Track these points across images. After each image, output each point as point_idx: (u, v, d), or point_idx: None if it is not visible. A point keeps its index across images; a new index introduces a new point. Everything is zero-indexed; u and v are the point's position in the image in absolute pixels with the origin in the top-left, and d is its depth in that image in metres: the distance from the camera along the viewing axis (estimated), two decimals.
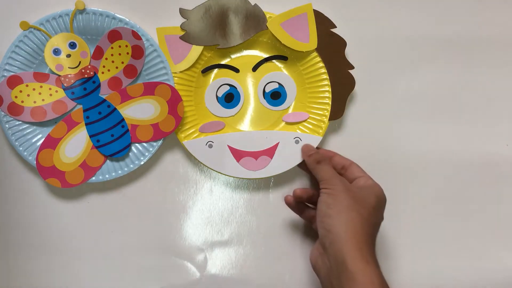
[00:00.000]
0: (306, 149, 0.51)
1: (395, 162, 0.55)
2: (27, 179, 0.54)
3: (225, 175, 0.52)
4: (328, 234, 0.45)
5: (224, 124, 0.53)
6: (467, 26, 0.55)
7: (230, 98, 0.53)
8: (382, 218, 0.48)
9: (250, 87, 0.53)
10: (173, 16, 0.51)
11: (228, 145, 0.52)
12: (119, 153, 0.52)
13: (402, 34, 0.54)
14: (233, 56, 0.53)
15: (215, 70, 0.53)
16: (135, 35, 0.50)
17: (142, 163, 0.52)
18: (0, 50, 0.51)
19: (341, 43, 0.51)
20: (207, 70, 0.52)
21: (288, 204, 0.52)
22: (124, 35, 0.50)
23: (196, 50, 0.51)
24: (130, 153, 0.53)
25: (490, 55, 0.55)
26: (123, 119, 0.52)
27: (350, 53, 0.53)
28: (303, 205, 0.52)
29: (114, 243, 0.55)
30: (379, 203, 0.47)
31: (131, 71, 0.52)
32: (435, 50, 0.55)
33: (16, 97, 0.51)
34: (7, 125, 0.51)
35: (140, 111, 0.52)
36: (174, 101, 0.51)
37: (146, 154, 0.52)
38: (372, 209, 0.46)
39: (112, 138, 0.52)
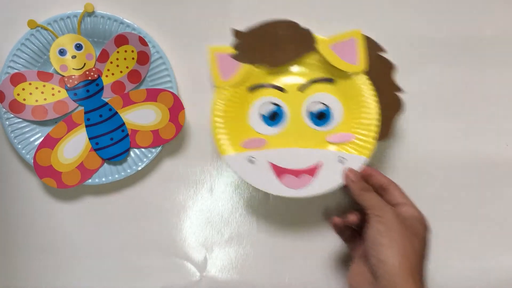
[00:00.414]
0: (350, 175, 0.49)
1: (393, 162, 0.55)
2: (26, 177, 0.54)
3: (265, 191, 0.50)
4: (380, 264, 0.43)
5: (266, 141, 0.51)
6: (467, 26, 0.54)
7: (275, 116, 0.52)
8: (428, 250, 0.47)
9: (295, 107, 0.52)
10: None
11: (269, 162, 0.50)
12: (117, 157, 0.52)
13: (402, 34, 0.54)
14: (280, 76, 0.52)
15: (262, 88, 0.52)
16: (142, 41, 0.50)
17: (139, 168, 0.52)
18: (6, 47, 0.51)
19: (389, 66, 0.51)
20: (254, 89, 0.52)
21: (336, 226, 0.50)
22: (131, 40, 0.50)
23: (244, 69, 0.50)
24: (128, 158, 0.52)
25: (490, 55, 0.55)
26: (123, 124, 0.52)
27: None
28: (347, 227, 0.51)
29: (114, 243, 0.55)
30: (427, 234, 0.47)
31: (135, 76, 0.52)
32: (436, 50, 0.54)
33: (18, 94, 0.51)
34: (7, 122, 0.51)
35: (141, 116, 0.52)
36: (176, 109, 0.51)
37: (144, 160, 0.52)
38: (422, 239, 0.46)
39: (112, 141, 0.52)
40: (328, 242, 0.55)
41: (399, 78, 0.53)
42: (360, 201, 0.47)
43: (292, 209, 0.55)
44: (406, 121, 0.54)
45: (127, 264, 0.55)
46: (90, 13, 0.50)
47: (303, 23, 0.51)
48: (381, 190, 0.49)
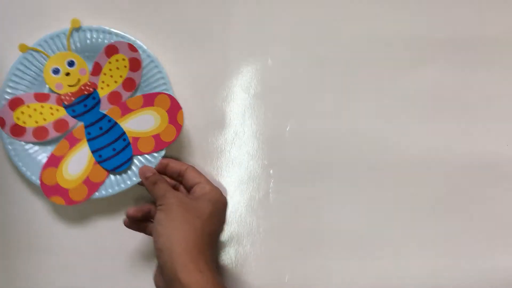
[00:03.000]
0: (145, 172, 0.50)
1: (394, 162, 0.54)
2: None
3: None
4: (161, 254, 0.44)
5: None
6: (467, 26, 0.55)
7: None
8: (223, 222, 0.49)
9: None
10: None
11: None
12: (121, 167, 0.52)
13: (402, 34, 0.54)
14: None
15: None
16: (131, 47, 0.51)
17: None
18: (1, 73, 0.52)
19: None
20: None
21: (126, 226, 0.50)
22: (121, 49, 0.51)
23: None
24: (132, 166, 0.52)
25: (490, 55, 0.55)
26: (124, 133, 0.52)
27: (350, 53, 0.54)
28: (144, 222, 0.51)
29: (114, 243, 0.55)
30: (216, 209, 0.48)
31: (130, 84, 0.52)
32: (435, 50, 0.55)
33: (18, 118, 0.52)
34: (10, 146, 0.52)
35: (140, 123, 0.52)
36: (173, 110, 0.51)
37: (149, 165, 0.52)
38: (207, 217, 0.46)
39: (114, 152, 0.52)
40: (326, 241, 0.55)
41: (398, 78, 0.55)
42: (152, 195, 0.49)
43: (292, 209, 0.55)
44: (406, 121, 0.55)
45: (127, 264, 0.55)
46: (77, 29, 0.51)
47: (303, 25, 0.53)
48: (180, 177, 0.50)
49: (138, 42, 0.51)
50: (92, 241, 0.55)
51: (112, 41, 0.51)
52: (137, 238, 0.54)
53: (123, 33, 0.51)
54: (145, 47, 0.51)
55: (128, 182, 0.52)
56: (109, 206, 0.55)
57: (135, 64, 0.52)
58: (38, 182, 0.51)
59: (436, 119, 0.55)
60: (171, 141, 0.51)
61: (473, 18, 0.55)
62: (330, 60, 0.54)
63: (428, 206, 0.55)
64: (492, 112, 0.55)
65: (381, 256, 0.55)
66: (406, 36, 0.54)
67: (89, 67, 0.52)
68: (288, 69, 0.55)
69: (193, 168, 0.51)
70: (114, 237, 0.55)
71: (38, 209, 0.55)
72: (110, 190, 0.52)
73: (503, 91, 0.55)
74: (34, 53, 0.52)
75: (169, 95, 0.51)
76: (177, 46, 0.54)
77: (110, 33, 0.51)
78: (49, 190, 0.51)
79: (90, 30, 0.51)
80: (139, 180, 0.52)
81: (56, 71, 0.52)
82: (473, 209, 0.55)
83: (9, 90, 0.52)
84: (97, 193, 0.52)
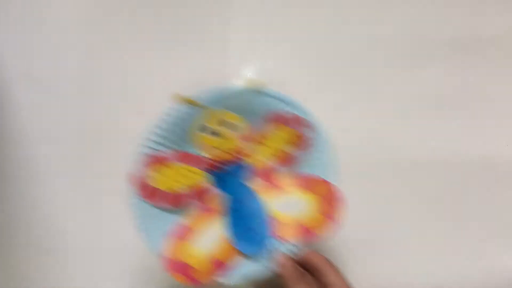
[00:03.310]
0: (284, 262, 0.44)
1: (394, 162, 0.54)
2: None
3: None
4: None
5: None
6: (467, 26, 0.55)
7: None
8: None
9: None
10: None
11: None
12: (258, 251, 0.45)
13: (402, 34, 0.54)
14: None
15: None
16: (304, 122, 0.44)
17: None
18: (143, 123, 0.45)
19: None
20: None
21: None
22: (289, 121, 0.44)
23: None
24: (269, 252, 0.45)
25: (490, 55, 0.55)
26: (267, 213, 0.45)
27: (350, 53, 0.53)
28: None
29: (114, 243, 0.53)
30: None
31: (287, 161, 0.45)
32: (435, 50, 0.55)
33: (152, 178, 0.44)
34: (136, 207, 0.44)
35: (288, 206, 0.46)
36: (331, 201, 0.44)
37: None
38: None
39: (252, 233, 0.45)
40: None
41: (398, 78, 0.55)
42: None
43: None
44: (406, 121, 0.54)
45: (127, 264, 0.53)
46: (256, 91, 0.44)
47: (302, 25, 0.53)
48: (316, 272, 0.45)
49: (313, 117, 0.44)
50: (93, 240, 0.53)
51: (284, 110, 0.44)
52: (138, 238, 0.47)
53: (296, 102, 0.44)
54: (318, 124, 0.44)
55: (263, 270, 0.45)
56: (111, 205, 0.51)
57: (301, 142, 0.45)
58: (160, 253, 0.44)
59: (436, 119, 0.54)
60: (321, 236, 0.45)
61: (473, 18, 0.55)
62: (330, 60, 0.54)
63: (428, 206, 0.54)
64: (492, 112, 0.55)
65: (382, 256, 0.54)
66: (406, 36, 0.54)
67: (245, 132, 0.45)
68: (288, 69, 0.54)
69: (333, 267, 0.45)
70: (115, 236, 0.52)
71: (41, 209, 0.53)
72: (241, 275, 0.45)
73: (503, 91, 0.55)
74: (185, 106, 0.44)
75: (332, 185, 0.44)
76: (177, 46, 0.53)
77: (284, 101, 0.44)
78: (172, 265, 0.44)
79: (265, 94, 0.44)
80: (274, 269, 0.45)
81: (206, 130, 0.45)
82: (473, 209, 0.54)
83: (150, 145, 0.44)
84: (225, 277, 0.45)
